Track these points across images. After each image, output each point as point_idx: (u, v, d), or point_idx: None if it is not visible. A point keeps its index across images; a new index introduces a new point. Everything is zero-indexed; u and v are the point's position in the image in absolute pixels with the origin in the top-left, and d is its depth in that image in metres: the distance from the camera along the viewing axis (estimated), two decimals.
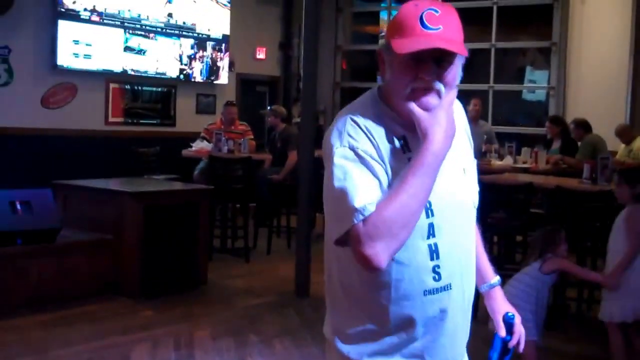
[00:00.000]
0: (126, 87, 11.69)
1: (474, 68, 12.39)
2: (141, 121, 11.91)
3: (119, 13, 11.25)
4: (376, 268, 1.92)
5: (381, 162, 2.00)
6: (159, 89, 12.17)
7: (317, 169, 8.97)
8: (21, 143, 10.25)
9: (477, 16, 12.55)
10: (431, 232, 2.04)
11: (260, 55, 13.89)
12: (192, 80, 12.50)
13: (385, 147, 2.02)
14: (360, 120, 2.03)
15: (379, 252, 1.90)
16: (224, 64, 12.93)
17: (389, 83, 2.08)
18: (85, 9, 10.78)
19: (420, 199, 1.94)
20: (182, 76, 12.31)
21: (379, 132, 2.03)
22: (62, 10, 10.55)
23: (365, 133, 2.01)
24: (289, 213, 9.62)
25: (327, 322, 2.25)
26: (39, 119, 10.55)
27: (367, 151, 1.99)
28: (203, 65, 12.63)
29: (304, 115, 7.69)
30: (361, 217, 1.90)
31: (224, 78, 12.96)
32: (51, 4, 10.51)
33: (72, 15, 10.66)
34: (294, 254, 7.73)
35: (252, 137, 10.44)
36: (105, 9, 11.05)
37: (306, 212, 7.58)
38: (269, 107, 11.65)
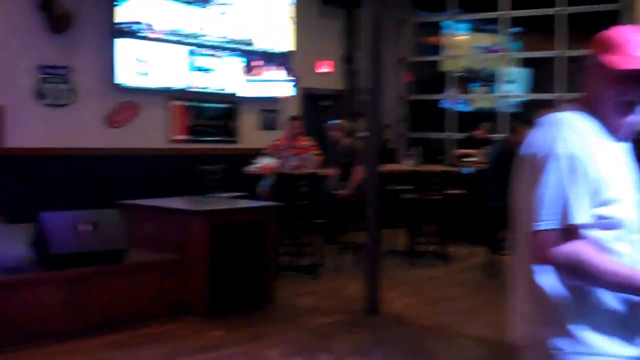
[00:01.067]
0: (188, 104, 11.68)
1: (544, 77, 12.16)
2: (204, 139, 11.89)
3: (178, 30, 11.24)
4: (544, 262, 2.24)
5: (594, 166, 2.24)
6: (222, 106, 12.15)
7: (383, 184, 8.84)
8: (85, 164, 10.29)
9: (540, 24, 12.33)
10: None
11: (324, 69, 13.83)
12: (255, 96, 12.45)
13: (598, 149, 2.28)
14: (579, 124, 2.30)
15: (561, 260, 2.20)
16: (287, 78, 12.86)
17: (594, 94, 2.37)
18: (143, 27, 10.80)
19: (602, 284, 2.21)
20: (244, 92, 12.26)
21: (593, 136, 2.30)
22: (120, 28, 10.57)
23: (583, 137, 2.27)
24: (356, 229, 9.47)
25: (534, 324, 2.34)
26: (103, 139, 10.59)
27: (583, 156, 2.23)
28: (266, 81, 12.58)
29: (369, 130, 7.55)
30: (573, 224, 2.20)
31: (287, 93, 12.89)
32: (109, 22, 10.53)
33: (130, 33, 10.67)
34: (362, 270, 7.57)
35: (317, 152, 10.31)
36: (165, 26, 11.05)
37: (375, 228, 7.42)
38: (331, 122, 11.51)
